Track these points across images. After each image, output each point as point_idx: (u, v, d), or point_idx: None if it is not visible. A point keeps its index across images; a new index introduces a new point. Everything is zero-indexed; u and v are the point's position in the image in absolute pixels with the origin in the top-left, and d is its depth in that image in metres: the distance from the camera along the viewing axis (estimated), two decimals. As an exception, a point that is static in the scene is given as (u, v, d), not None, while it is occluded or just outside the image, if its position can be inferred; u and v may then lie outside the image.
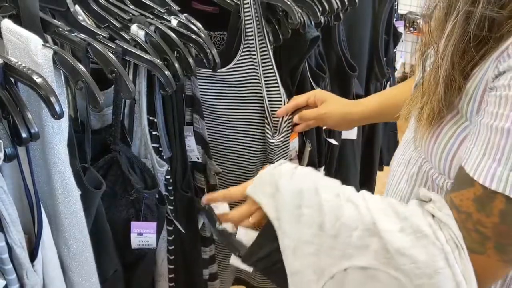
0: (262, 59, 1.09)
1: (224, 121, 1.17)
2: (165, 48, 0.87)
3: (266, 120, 1.13)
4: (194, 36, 0.91)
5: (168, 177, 0.96)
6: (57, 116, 0.65)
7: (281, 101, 1.12)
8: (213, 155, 1.14)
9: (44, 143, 0.72)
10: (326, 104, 1.11)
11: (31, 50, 0.69)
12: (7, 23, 0.72)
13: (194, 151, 1.02)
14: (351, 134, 1.48)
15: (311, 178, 0.72)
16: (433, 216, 0.62)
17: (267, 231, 0.72)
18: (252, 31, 1.08)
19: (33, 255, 0.71)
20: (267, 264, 0.73)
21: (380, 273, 0.62)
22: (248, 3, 1.06)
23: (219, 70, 1.09)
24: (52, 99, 0.64)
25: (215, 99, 1.14)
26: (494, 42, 0.58)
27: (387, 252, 0.61)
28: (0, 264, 0.68)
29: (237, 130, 1.18)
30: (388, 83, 1.67)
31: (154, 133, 0.93)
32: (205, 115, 1.15)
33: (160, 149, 0.94)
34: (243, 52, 1.10)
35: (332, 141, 1.41)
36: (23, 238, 0.69)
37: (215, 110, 1.16)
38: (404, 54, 3.22)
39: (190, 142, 1.01)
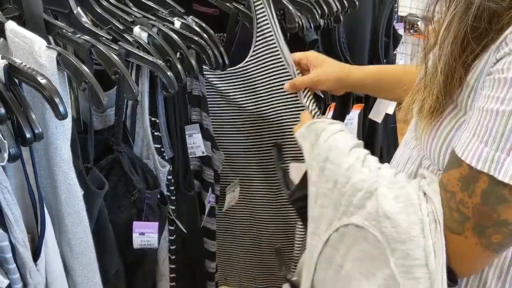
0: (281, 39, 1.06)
1: (255, 113, 1.18)
2: (168, 49, 0.87)
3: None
4: (196, 38, 0.91)
5: (170, 177, 0.97)
6: (61, 116, 0.66)
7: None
8: (242, 150, 1.19)
9: (47, 144, 0.73)
10: (321, 70, 1.02)
11: (35, 52, 0.70)
12: (11, 25, 0.73)
13: (200, 147, 1.04)
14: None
15: (346, 141, 0.77)
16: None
17: (305, 176, 0.80)
18: (266, 19, 1.09)
19: (36, 255, 0.72)
20: (301, 205, 0.81)
21: (369, 234, 0.67)
22: None
23: (237, 66, 1.11)
24: (56, 100, 0.65)
25: (242, 94, 1.16)
26: (494, 34, 0.59)
27: (377, 214, 0.65)
28: (3, 263, 0.68)
29: (269, 119, 1.18)
30: (388, 84, 1.67)
31: (156, 133, 0.94)
32: (230, 113, 1.18)
33: (162, 149, 0.95)
34: (257, 42, 1.11)
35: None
36: (26, 238, 0.70)
37: (242, 105, 1.17)
38: (404, 56, 3.22)
39: (196, 139, 1.03)
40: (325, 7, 1.19)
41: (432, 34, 0.68)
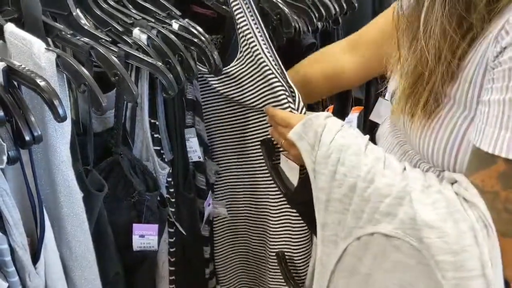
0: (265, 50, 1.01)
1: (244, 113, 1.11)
2: (167, 51, 0.87)
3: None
4: (196, 40, 0.91)
5: (170, 179, 0.96)
6: (60, 119, 0.66)
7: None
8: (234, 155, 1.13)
9: (47, 146, 0.73)
10: None
11: (34, 54, 0.69)
12: (10, 27, 0.72)
13: (196, 152, 1.03)
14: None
15: (356, 139, 0.71)
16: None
17: (306, 180, 0.74)
18: (246, 23, 1.02)
19: (35, 258, 0.72)
20: (305, 210, 0.76)
21: (403, 243, 0.61)
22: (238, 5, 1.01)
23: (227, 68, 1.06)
24: (56, 102, 0.65)
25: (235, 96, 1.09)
26: (478, 28, 0.57)
27: (415, 222, 0.60)
28: (2, 267, 0.68)
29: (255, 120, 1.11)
30: (388, 85, 1.67)
31: (155, 135, 0.94)
32: (225, 115, 1.12)
33: (161, 151, 0.95)
34: (242, 48, 1.04)
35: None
36: (25, 241, 0.70)
37: (235, 107, 1.11)
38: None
39: (193, 143, 1.02)
40: (322, 10, 1.17)
41: (408, 24, 0.66)
